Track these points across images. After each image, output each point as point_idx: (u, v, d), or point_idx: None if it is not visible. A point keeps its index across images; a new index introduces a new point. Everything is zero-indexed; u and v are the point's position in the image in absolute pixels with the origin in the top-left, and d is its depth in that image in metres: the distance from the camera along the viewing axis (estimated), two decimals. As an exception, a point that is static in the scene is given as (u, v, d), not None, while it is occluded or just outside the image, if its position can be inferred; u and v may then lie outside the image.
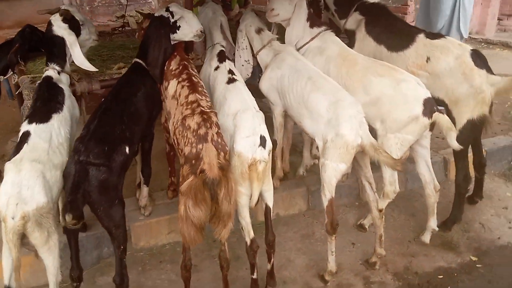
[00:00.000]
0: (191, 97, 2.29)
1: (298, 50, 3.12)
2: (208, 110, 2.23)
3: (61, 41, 2.41)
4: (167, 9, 2.61)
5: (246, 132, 2.26)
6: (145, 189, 2.81)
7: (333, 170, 2.49)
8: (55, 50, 2.41)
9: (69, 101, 2.36)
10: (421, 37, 3.06)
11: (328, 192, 2.54)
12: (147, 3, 9.31)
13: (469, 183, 3.07)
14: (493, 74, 2.88)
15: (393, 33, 3.17)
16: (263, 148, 2.25)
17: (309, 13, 3.08)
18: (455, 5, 3.88)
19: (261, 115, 2.34)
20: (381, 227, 2.76)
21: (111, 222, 2.08)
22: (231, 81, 2.53)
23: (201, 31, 2.67)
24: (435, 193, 2.93)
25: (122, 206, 2.13)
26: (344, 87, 2.81)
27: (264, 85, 3.00)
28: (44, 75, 2.36)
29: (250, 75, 3.15)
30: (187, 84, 2.38)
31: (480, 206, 3.44)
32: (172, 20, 2.60)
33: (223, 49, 2.81)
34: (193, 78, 2.43)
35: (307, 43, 3.08)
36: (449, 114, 2.95)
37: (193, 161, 2.11)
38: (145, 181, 2.79)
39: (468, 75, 2.84)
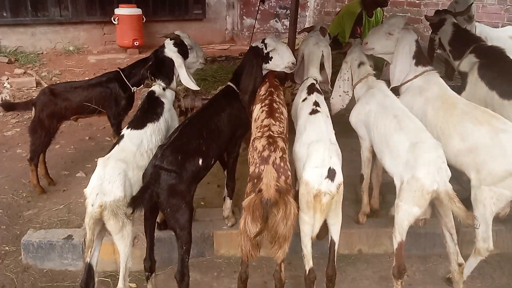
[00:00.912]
0: (266, 122, 2.45)
1: (400, 86, 3.07)
2: (276, 135, 2.35)
3: (169, 62, 2.80)
4: (263, 41, 2.83)
5: (315, 163, 2.31)
6: (228, 201, 3.03)
7: (406, 213, 2.40)
8: (163, 69, 2.81)
9: (168, 114, 2.72)
10: (542, 85, 2.77)
11: (398, 235, 2.45)
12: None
13: None
14: None
15: (508, 80, 2.93)
16: (330, 181, 2.27)
17: (416, 51, 2.98)
18: None
19: (335, 148, 2.37)
20: (460, 283, 2.55)
21: (177, 223, 2.33)
22: (313, 112, 2.61)
23: (292, 63, 2.82)
24: None
25: (190, 211, 2.36)
26: (440, 130, 2.71)
27: (353, 118, 3.02)
28: (149, 90, 2.76)
29: (345, 106, 3.18)
30: (266, 109, 2.55)
31: None
32: (265, 51, 2.80)
33: (314, 82, 2.89)
34: (274, 104, 2.58)
35: (409, 80, 3.00)
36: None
37: (255, 180, 2.25)
38: (229, 194, 3.01)
39: None
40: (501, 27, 5.77)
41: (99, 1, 7.99)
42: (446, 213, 2.45)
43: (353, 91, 3.15)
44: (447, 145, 2.63)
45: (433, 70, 2.99)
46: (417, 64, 2.97)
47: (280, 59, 2.82)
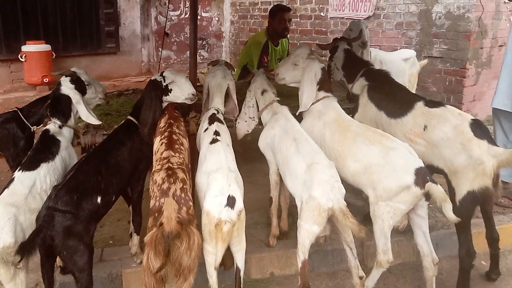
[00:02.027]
0: (165, 154, 2.47)
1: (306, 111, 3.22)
2: (175, 166, 2.37)
3: (66, 99, 2.75)
4: (161, 74, 2.87)
5: (215, 192, 2.34)
6: (135, 238, 2.97)
7: (307, 232, 2.49)
8: (60, 106, 2.75)
9: (65, 152, 2.66)
10: (419, 104, 3.03)
11: (301, 254, 2.53)
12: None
13: (473, 258, 2.86)
14: (496, 145, 2.76)
15: (393, 100, 3.17)
16: (230, 209, 2.30)
17: (321, 78, 3.16)
18: None
19: (233, 175, 2.43)
20: (361, 296, 2.67)
21: (75, 266, 2.24)
22: (213, 141, 2.67)
23: (193, 95, 2.88)
24: (433, 266, 2.77)
25: (89, 252, 2.28)
26: (337, 152, 2.87)
27: (261, 143, 3.13)
28: (43, 129, 2.69)
29: (250, 131, 3.29)
30: (166, 141, 2.57)
31: (499, 284, 3.17)
32: (164, 84, 2.84)
33: (215, 112, 2.98)
34: (174, 136, 2.61)
35: (312, 105, 3.16)
36: (449, 184, 2.86)
37: (156, 214, 2.24)
38: (135, 229, 2.96)
39: (466, 145, 2.74)
40: (399, 49, 6.25)
41: (4, 38, 7.68)
42: (344, 229, 2.57)
43: (260, 117, 3.27)
44: (344, 166, 2.79)
45: (332, 95, 3.17)
46: (319, 89, 3.15)
47: (180, 91, 2.86)
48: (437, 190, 2.51)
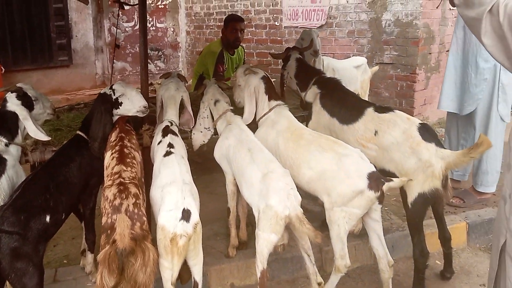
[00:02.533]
0: (116, 168, 2.42)
1: (258, 120, 3.26)
2: (127, 181, 2.33)
3: (13, 116, 2.64)
4: (111, 87, 2.82)
5: (169, 206, 2.30)
6: (89, 256, 2.89)
7: (265, 241, 2.49)
8: (6, 124, 2.65)
9: (12, 170, 2.55)
10: (369, 110, 3.11)
11: (260, 264, 2.52)
12: (177, 72, 9.86)
13: (427, 258, 2.94)
14: (443, 147, 2.86)
15: (345, 107, 3.24)
16: (185, 222, 2.26)
17: (266, 87, 3.23)
18: (492, 88, 3.83)
19: (188, 188, 2.40)
20: (321, 302, 2.69)
21: (24, 289, 2.17)
22: (167, 154, 2.64)
23: (144, 107, 2.85)
24: (389, 268, 2.83)
25: (39, 274, 2.20)
26: (292, 160, 2.89)
27: (217, 153, 3.13)
28: (-12, 148, 2.58)
29: (206, 141, 3.30)
30: (117, 155, 2.51)
31: (453, 282, 3.26)
32: (114, 97, 2.79)
33: (169, 124, 2.95)
34: (125, 149, 2.56)
35: (265, 114, 3.21)
36: (401, 187, 2.93)
37: (109, 231, 2.18)
38: (89, 247, 2.87)
39: (415, 149, 2.83)
40: (352, 57, 6.41)
41: None
42: (301, 236, 2.59)
43: (215, 127, 3.27)
44: (299, 173, 2.81)
45: (283, 104, 3.22)
46: (269, 99, 3.21)
47: (131, 104, 2.82)
48: (394, 182, 2.63)
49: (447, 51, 6.50)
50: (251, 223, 3.43)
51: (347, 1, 6.64)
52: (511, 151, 1.66)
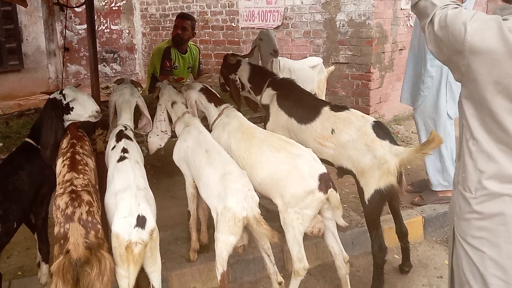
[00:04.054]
0: (67, 176, 2.34)
1: (211, 126, 3.25)
2: (79, 189, 2.26)
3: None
4: (61, 92, 2.73)
5: (123, 213, 2.24)
6: (44, 267, 2.78)
7: (224, 243, 2.48)
8: None
9: None
10: (326, 109, 3.15)
11: (220, 266, 2.51)
12: (133, 74, 9.68)
13: (385, 253, 3.00)
14: (397, 144, 2.92)
15: (301, 107, 3.27)
16: (140, 229, 2.21)
17: (207, 96, 3.30)
18: (439, 86, 3.92)
19: (143, 194, 2.35)
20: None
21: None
22: (121, 159, 2.58)
23: (96, 112, 2.78)
24: (345, 264, 2.87)
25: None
26: (244, 161, 2.89)
27: (176, 156, 3.10)
28: None
29: (163, 144, 3.27)
30: (68, 162, 2.44)
31: (412, 275, 3.35)
32: (65, 102, 2.71)
33: (123, 129, 2.89)
34: (77, 156, 2.49)
35: (216, 119, 3.20)
36: (358, 184, 2.98)
37: (62, 241, 2.11)
38: (43, 258, 2.77)
39: (370, 146, 2.88)
40: (309, 57, 6.48)
41: None
42: (260, 236, 2.59)
43: (173, 130, 3.24)
44: (251, 174, 2.80)
45: (230, 106, 3.25)
46: (216, 105, 3.24)
47: (83, 109, 2.74)
48: (335, 197, 2.63)
49: (400, 50, 6.71)
50: (213, 226, 3.40)
51: (302, 2, 6.71)
52: (461, 143, 1.76)
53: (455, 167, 1.86)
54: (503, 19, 1.53)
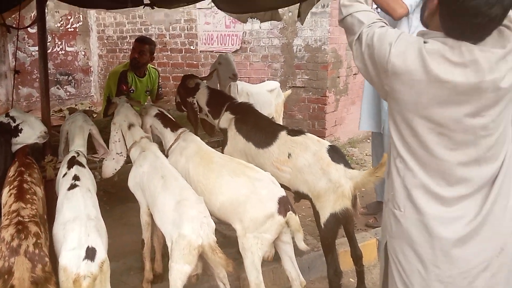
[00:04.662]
0: (14, 206, 2.23)
1: (168, 150, 3.20)
2: (26, 220, 2.16)
3: None
4: (7, 115, 2.64)
5: (72, 244, 2.14)
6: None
7: (178, 272, 2.43)
8: None
9: None
10: (283, 134, 3.18)
11: None
12: (89, 96, 9.47)
13: (341, 277, 3.02)
14: (351, 168, 2.98)
15: (259, 131, 3.29)
16: (90, 261, 2.11)
17: (163, 121, 3.27)
18: None
19: (93, 224, 2.26)
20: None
21: None
22: (71, 187, 2.50)
23: (45, 132, 2.71)
24: None
25: None
26: (203, 186, 2.86)
27: (131, 182, 3.01)
28: None
29: (118, 168, 3.18)
30: (15, 191, 2.33)
31: (367, 299, 3.38)
32: (13, 125, 2.62)
33: (75, 155, 2.81)
34: (24, 185, 2.39)
35: (173, 144, 3.16)
36: (314, 208, 3.01)
37: (6, 276, 2.00)
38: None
39: (325, 170, 2.92)
40: (267, 80, 6.57)
41: None
42: (215, 265, 2.54)
43: (128, 154, 3.16)
44: (210, 200, 2.78)
45: (186, 130, 3.22)
46: (172, 129, 3.21)
47: (32, 130, 2.68)
48: (295, 220, 2.64)
49: (354, 74, 6.90)
50: (168, 254, 3.32)
51: (260, 27, 6.81)
52: (389, 161, 1.80)
53: (385, 185, 1.88)
54: (424, 42, 1.59)
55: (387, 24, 1.74)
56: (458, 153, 1.62)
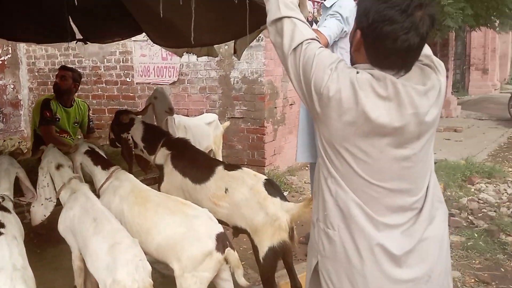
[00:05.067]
0: None
1: (99, 190, 3.10)
2: None
3: None
4: None
5: None
6: None
7: None
8: None
9: None
10: (220, 168, 3.19)
11: None
12: (18, 131, 9.03)
13: (282, 312, 3.03)
14: (287, 201, 3.03)
15: (196, 166, 3.29)
16: None
17: (93, 159, 3.17)
18: None
19: (19, 275, 2.12)
20: None
21: None
22: (-5, 235, 2.36)
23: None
24: None
25: None
26: (138, 226, 2.77)
27: (61, 226, 2.86)
28: None
29: (48, 214, 3.02)
30: None
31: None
32: None
33: (0, 200, 2.67)
34: None
35: (104, 183, 3.07)
36: (252, 242, 3.01)
37: None
38: None
39: (262, 204, 2.95)
40: (205, 112, 6.59)
41: None
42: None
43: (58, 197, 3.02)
44: (147, 240, 2.70)
45: (119, 168, 3.14)
46: (103, 167, 3.11)
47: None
48: (233, 256, 2.63)
49: (291, 104, 7.10)
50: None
51: (197, 59, 6.85)
52: (319, 181, 1.81)
53: (313, 205, 1.90)
54: (357, 72, 1.65)
55: (322, 47, 1.75)
56: (384, 182, 1.68)
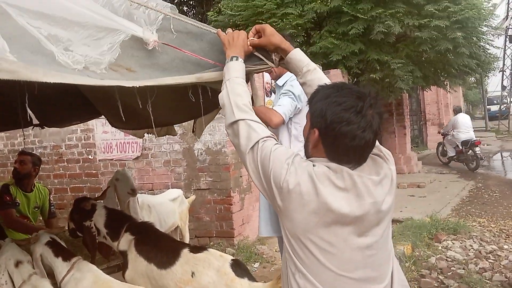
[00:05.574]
0: None
1: (60, 284, 2.97)
2: None
3: None
4: None
5: None
6: None
7: None
8: None
9: None
10: (185, 252, 3.13)
11: None
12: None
13: None
14: (255, 281, 2.98)
15: (161, 251, 3.21)
16: None
17: (54, 250, 3.04)
18: None
19: None
20: None
21: None
22: None
23: None
24: None
25: None
26: (102, 321, 2.66)
27: None
28: None
29: None
30: None
31: None
32: None
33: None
34: None
35: (65, 276, 2.94)
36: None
37: None
38: None
39: (230, 286, 2.89)
40: (171, 186, 6.53)
41: None
42: None
43: None
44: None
45: (80, 258, 3.03)
46: (64, 259, 3.00)
47: None
48: None
49: (255, 173, 7.12)
50: None
51: (160, 133, 6.90)
52: (287, 276, 1.81)
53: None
54: (313, 165, 1.72)
55: (278, 142, 1.82)
56: (351, 273, 1.70)
